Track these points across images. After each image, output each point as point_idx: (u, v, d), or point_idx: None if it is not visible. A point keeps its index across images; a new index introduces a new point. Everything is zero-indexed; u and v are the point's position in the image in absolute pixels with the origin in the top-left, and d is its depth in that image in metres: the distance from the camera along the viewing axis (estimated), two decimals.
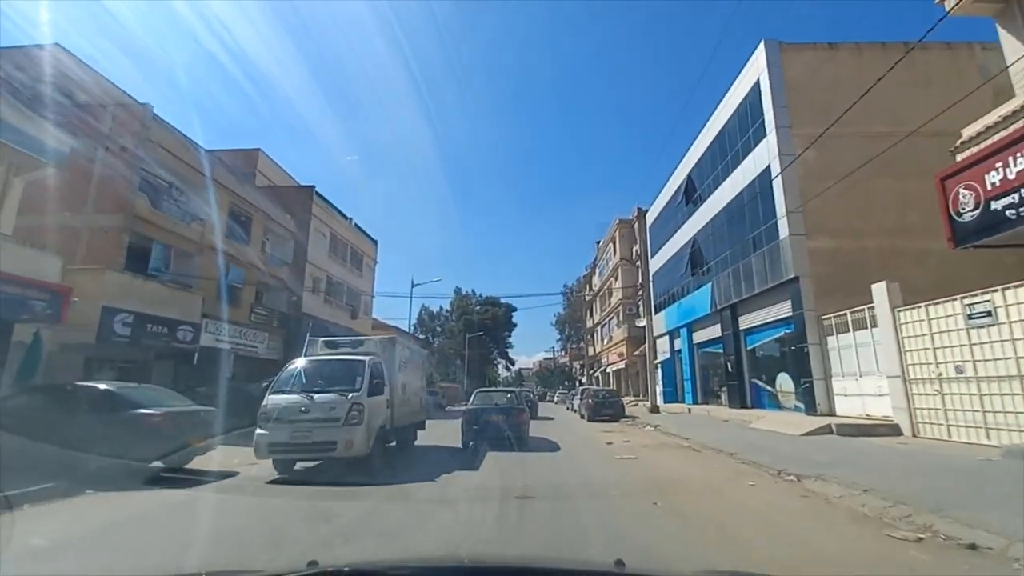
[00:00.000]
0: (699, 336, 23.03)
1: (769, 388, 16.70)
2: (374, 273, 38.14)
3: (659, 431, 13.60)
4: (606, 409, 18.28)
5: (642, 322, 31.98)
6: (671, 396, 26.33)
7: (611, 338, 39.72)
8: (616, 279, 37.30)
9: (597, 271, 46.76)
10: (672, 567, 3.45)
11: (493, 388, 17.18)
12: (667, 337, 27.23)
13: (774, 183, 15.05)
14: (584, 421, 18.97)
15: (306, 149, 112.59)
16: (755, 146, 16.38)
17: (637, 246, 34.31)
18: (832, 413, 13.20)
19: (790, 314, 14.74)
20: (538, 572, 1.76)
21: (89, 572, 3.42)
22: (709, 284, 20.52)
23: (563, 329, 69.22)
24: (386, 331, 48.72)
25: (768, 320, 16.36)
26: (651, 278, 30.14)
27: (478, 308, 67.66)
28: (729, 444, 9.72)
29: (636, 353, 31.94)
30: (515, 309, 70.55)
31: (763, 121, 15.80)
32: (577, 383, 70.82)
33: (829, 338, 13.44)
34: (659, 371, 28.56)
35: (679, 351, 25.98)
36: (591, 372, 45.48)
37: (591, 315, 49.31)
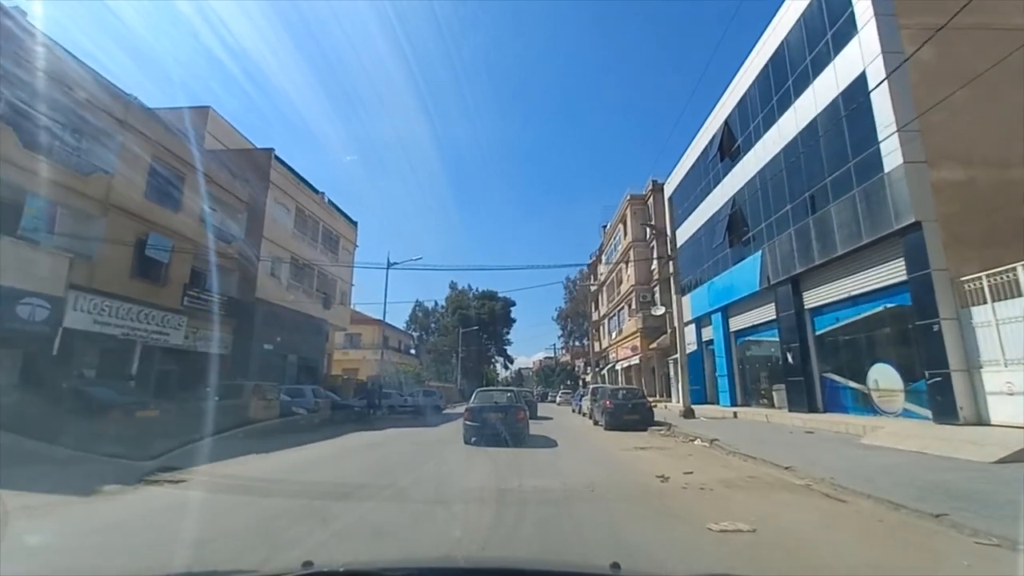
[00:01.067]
0: (738, 322, 18.63)
1: (855, 385, 12.29)
2: (353, 259, 33.76)
3: (720, 449, 9.20)
4: (630, 414, 13.87)
5: (660, 310, 27.62)
6: (699, 396, 21.88)
7: (621, 331, 35.33)
8: (627, 264, 32.89)
9: (604, 258, 42.36)
10: (669, 568, 3.30)
11: (494, 388, 17.25)
12: (693, 326, 22.85)
13: (873, 96, 10.65)
14: (600, 430, 14.60)
15: (306, 147, 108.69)
16: (836, 54, 11.97)
17: (652, 224, 29.93)
18: (981, 420, 8.82)
19: (903, 279, 10.32)
20: (534, 574, 1.74)
21: (85, 571, 3.22)
22: (757, 254, 16.12)
23: (565, 324, 64.83)
24: (369, 325, 44.32)
25: (857, 292, 11.95)
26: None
27: (474, 303, 63.27)
28: (883, 483, 5.35)
29: (653, 346, 27.55)
30: (514, 304, 66.26)
31: (851, 13, 11.39)
32: (581, 382, 66.43)
33: (974, 310, 9.05)
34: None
35: (710, 342, 21.60)
36: (598, 369, 41.09)
37: (597, 307, 44.93)
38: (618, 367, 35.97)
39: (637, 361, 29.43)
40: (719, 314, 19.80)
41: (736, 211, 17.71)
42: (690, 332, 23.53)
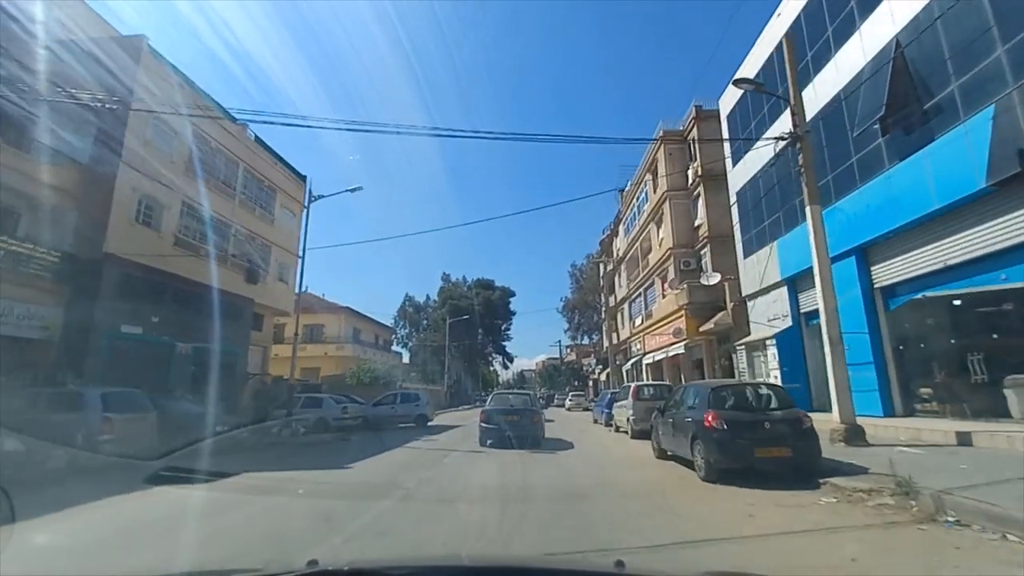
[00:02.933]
0: (898, 269, 10.68)
1: None
2: (302, 224, 25.81)
3: None
4: (770, 444, 5.84)
5: (714, 278, 19.66)
6: (799, 396, 13.88)
7: (650, 314, 27.34)
8: (660, 225, 24.94)
9: (623, 229, 34.43)
10: (673, 568, 3.24)
11: (510, 391, 17.01)
12: (785, 288, 14.91)
13: None
14: (689, 476, 6.65)
15: (307, 148, 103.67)
16: None
17: (696, 165, 22.03)
18: None
19: None
20: (538, 572, 1.69)
21: (88, 571, 3.17)
22: (979, 118, 8.17)
23: (572, 316, 56.76)
24: (335, 314, 36.34)
25: None
26: (737, 192, 17.80)
27: (468, 292, 55.34)
28: None
29: (708, 327, 19.53)
30: (513, 294, 58.35)
31: None
32: (590, 382, 58.26)
33: None
34: (766, 352, 16.20)
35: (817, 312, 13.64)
36: (618, 364, 33.10)
37: (613, 291, 36.94)
38: (645, 361, 27.93)
39: (682, 350, 21.38)
40: (851, 261, 11.81)
41: (898, 63, 9.73)
42: (778, 299, 15.63)
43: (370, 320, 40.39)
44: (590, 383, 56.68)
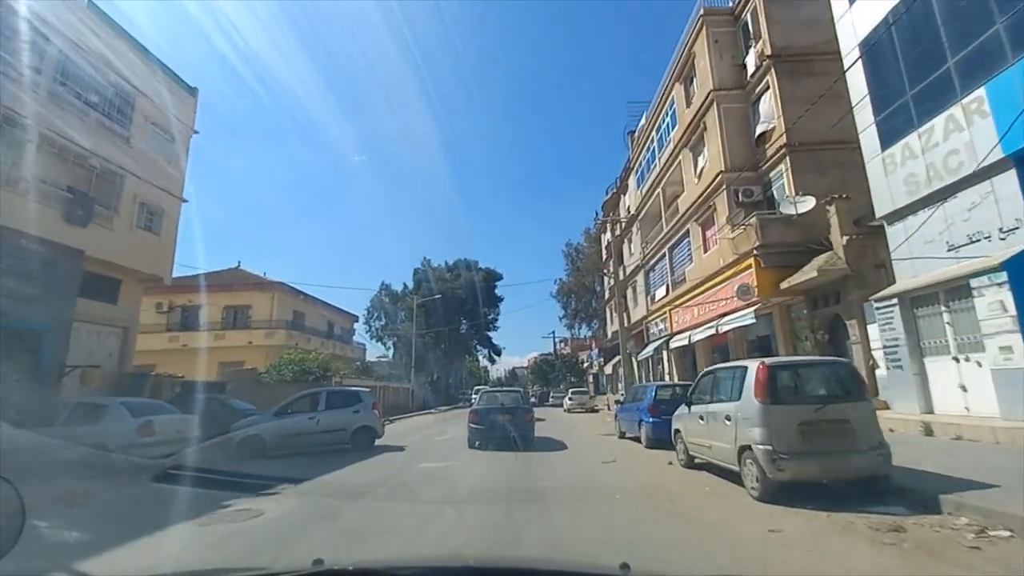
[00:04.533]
0: None
1: None
2: (186, 152, 18.08)
3: None
4: None
5: (806, 203, 12.36)
6: None
7: (680, 280, 20.07)
8: (700, 148, 17.64)
9: (633, 180, 27.10)
10: (679, 568, 3.32)
11: (499, 388, 16.85)
12: (1012, 174, 7.58)
13: None
14: None
15: (312, 146, 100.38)
16: None
17: (760, 44, 14.72)
18: None
19: None
20: (543, 574, 1.67)
21: (94, 569, 3.05)
22: None
23: (568, 302, 49.46)
24: (264, 292, 28.50)
25: None
26: (863, 41, 10.45)
27: (447, 274, 47.70)
28: None
29: (795, 283, 12.13)
30: (500, 277, 50.68)
31: None
32: (588, 377, 51.22)
33: None
34: (970, 301, 8.86)
35: None
36: (631, 353, 25.79)
37: (622, 261, 29.63)
38: (674, 344, 20.57)
39: (750, 320, 13.98)
40: None
41: None
42: (964, 211, 8.41)
43: (321, 303, 32.61)
44: (589, 379, 49.76)
